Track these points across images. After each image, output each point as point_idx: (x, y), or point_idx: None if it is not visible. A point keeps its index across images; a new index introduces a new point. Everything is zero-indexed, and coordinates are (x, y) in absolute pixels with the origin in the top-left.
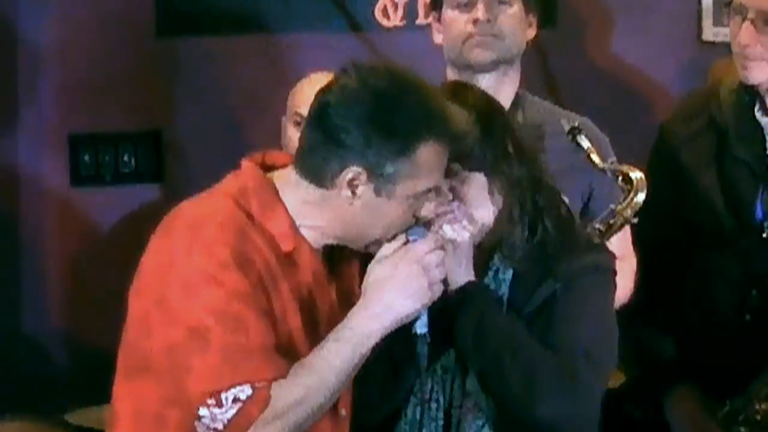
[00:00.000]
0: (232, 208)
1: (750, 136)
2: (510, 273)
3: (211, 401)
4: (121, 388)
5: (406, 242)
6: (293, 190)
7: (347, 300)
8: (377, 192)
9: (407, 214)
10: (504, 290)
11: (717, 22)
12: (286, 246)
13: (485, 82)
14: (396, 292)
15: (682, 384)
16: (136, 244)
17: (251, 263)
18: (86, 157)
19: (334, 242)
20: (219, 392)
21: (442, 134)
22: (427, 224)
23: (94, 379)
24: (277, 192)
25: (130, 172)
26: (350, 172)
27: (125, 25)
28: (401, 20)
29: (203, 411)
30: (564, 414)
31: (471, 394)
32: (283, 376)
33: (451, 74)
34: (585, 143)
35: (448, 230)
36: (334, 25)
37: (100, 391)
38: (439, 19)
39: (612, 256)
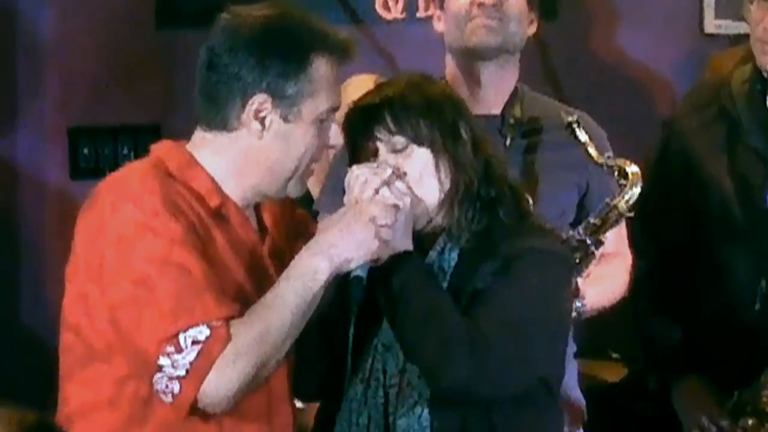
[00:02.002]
0: (151, 168)
1: (762, 125)
2: (455, 254)
3: (169, 348)
4: (68, 388)
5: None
6: (204, 148)
7: (281, 258)
8: (284, 118)
9: (316, 140)
10: (447, 269)
11: (719, 14)
12: (212, 201)
13: (486, 71)
14: (341, 234)
15: (690, 374)
16: None
17: (181, 210)
18: (85, 150)
19: (256, 197)
20: (176, 335)
21: (329, 46)
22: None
23: None
24: (191, 155)
25: None
26: (254, 102)
27: (125, 17)
28: (402, 13)
29: (163, 360)
30: (476, 386)
31: (407, 370)
32: (238, 316)
33: (451, 64)
34: (582, 137)
35: (387, 194)
36: (335, 17)
37: None
38: (441, 6)
39: (561, 243)
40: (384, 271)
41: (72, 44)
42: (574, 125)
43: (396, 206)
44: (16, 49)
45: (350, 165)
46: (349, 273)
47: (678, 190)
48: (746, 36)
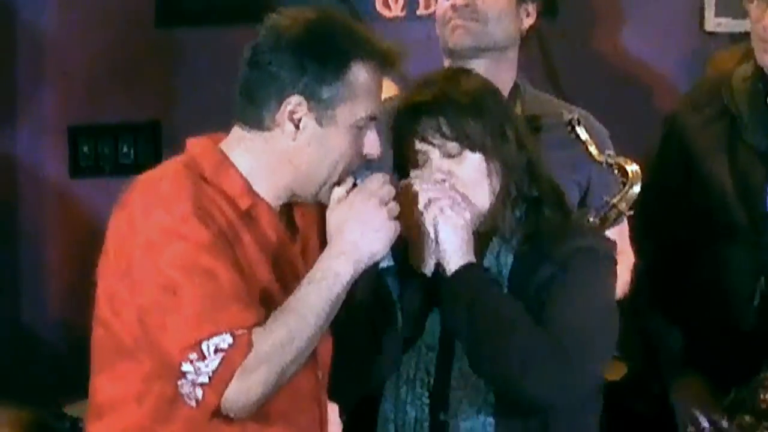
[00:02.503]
0: (184, 170)
1: (763, 123)
2: (511, 257)
3: (192, 355)
4: (97, 381)
5: (355, 184)
6: (239, 147)
7: (311, 258)
8: (319, 122)
9: (352, 147)
10: (505, 273)
11: (719, 12)
12: (243, 203)
13: (478, 69)
14: (358, 230)
15: (688, 372)
16: None
17: (211, 215)
18: (85, 149)
19: (287, 195)
20: (199, 343)
21: (372, 54)
22: (425, 207)
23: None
24: (225, 155)
25: (129, 164)
26: (289, 103)
27: (125, 16)
28: (402, 11)
29: (186, 366)
30: (557, 395)
31: (465, 375)
32: (262, 323)
33: (446, 63)
34: (583, 135)
35: (448, 212)
36: None
37: None
38: None
39: (611, 244)
40: (450, 286)
41: (72, 42)
42: (574, 123)
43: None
44: (17, 47)
45: (396, 163)
46: (377, 264)
47: (678, 188)
48: (747, 34)
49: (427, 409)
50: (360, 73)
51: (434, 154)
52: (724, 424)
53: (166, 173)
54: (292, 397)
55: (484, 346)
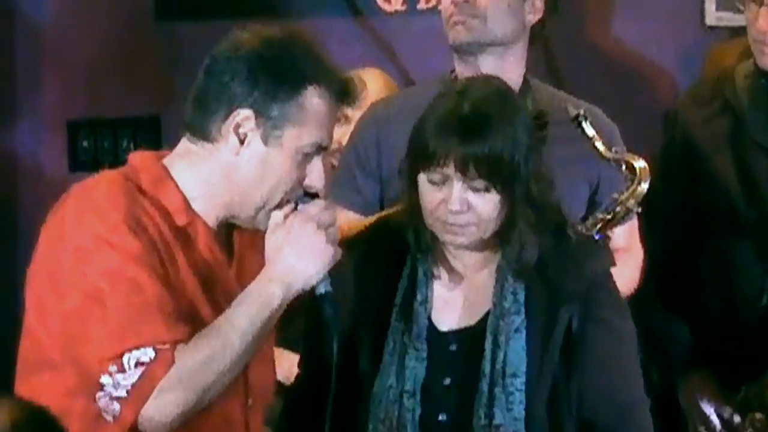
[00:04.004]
0: (121, 179)
1: (766, 120)
2: (523, 294)
3: (112, 367)
4: (21, 390)
5: (295, 209)
6: (181, 160)
7: (247, 283)
8: (264, 139)
9: (293, 173)
10: (522, 315)
11: (720, 6)
12: (180, 220)
13: (484, 64)
14: (294, 254)
15: (696, 369)
16: None
17: (143, 227)
18: (85, 143)
19: (224, 214)
20: (120, 356)
21: (329, 82)
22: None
23: None
24: (166, 169)
25: None
26: (238, 116)
27: (124, 9)
28: (402, 5)
29: (105, 379)
30: None
31: (498, 428)
32: (186, 340)
33: (456, 59)
34: (589, 130)
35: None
36: (335, 9)
37: None
38: None
39: (606, 251)
40: None
41: (71, 36)
42: (581, 119)
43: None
44: (16, 41)
45: (412, 162)
46: (313, 289)
47: (682, 184)
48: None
49: None
50: (314, 99)
51: (458, 182)
52: (736, 419)
53: (102, 182)
54: (219, 421)
55: None
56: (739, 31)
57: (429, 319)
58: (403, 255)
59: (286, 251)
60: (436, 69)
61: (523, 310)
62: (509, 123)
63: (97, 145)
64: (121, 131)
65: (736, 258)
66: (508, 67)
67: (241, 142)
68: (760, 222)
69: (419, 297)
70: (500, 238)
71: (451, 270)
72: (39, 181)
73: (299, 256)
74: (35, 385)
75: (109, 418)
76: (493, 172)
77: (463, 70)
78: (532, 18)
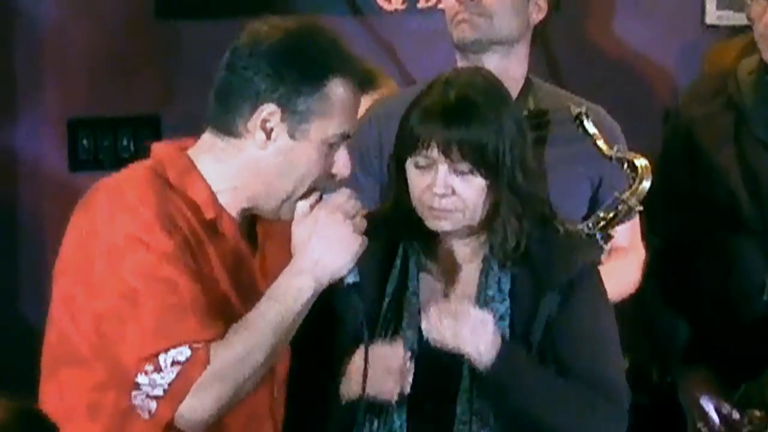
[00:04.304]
0: (150, 175)
1: None
2: (508, 282)
3: (149, 367)
4: (47, 386)
5: (320, 199)
6: (207, 154)
7: (272, 275)
8: (291, 133)
9: (320, 164)
10: (507, 304)
11: (720, 5)
12: (208, 213)
13: (488, 64)
14: (322, 246)
15: (696, 366)
16: None
17: (175, 224)
18: (85, 142)
19: (249, 206)
20: (156, 355)
21: (352, 72)
22: None
23: None
24: (192, 162)
25: (129, 157)
26: (263, 111)
27: (125, 8)
28: (402, 4)
29: (141, 378)
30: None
31: (479, 412)
32: (220, 337)
33: (458, 57)
34: (591, 129)
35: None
36: (335, 8)
37: None
38: None
39: (598, 248)
40: (495, 379)
41: (72, 35)
42: (582, 117)
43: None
44: (16, 39)
45: (399, 148)
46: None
47: (684, 180)
48: (747, 27)
49: None
50: (338, 89)
51: (443, 165)
52: (736, 416)
53: (132, 178)
54: (247, 414)
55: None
56: (739, 30)
57: (419, 310)
58: (397, 247)
59: (313, 243)
60: (436, 68)
61: (507, 298)
62: (494, 109)
63: (98, 143)
64: (121, 130)
65: (738, 255)
66: (512, 66)
67: (268, 136)
68: (762, 218)
69: (410, 287)
70: (486, 227)
71: (440, 260)
72: (39, 180)
73: (327, 248)
74: (64, 378)
75: (145, 415)
76: (476, 155)
77: None
78: (536, 17)
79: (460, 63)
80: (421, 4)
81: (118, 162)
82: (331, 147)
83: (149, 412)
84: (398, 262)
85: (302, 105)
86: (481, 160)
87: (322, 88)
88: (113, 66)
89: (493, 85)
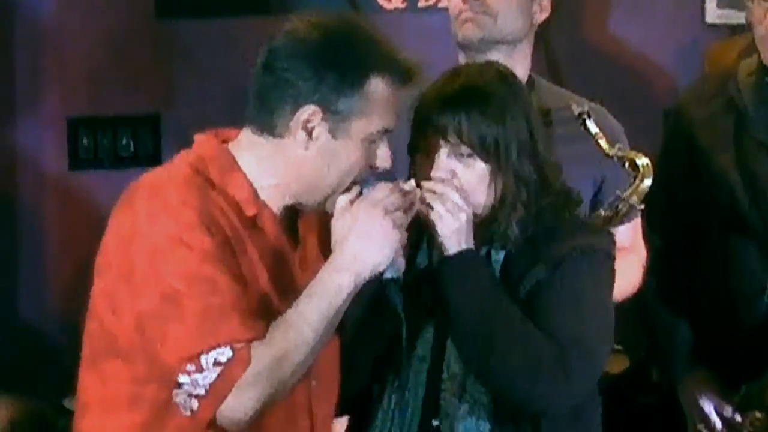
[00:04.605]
0: (192, 174)
1: None
2: (501, 255)
3: (190, 367)
4: (87, 376)
5: (360, 192)
6: (248, 151)
7: (312, 268)
8: (332, 133)
9: (362, 160)
10: (494, 271)
11: (721, 4)
12: (249, 210)
13: None
14: (361, 241)
15: (696, 368)
16: None
17: (217, 224)
18: (84, 141)
19: (291, 202)
20: (198, 356)
21: (392, 69)
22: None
23: None
24: (234, 159)
25: (128, 156)
26: (304, 112)
27: (125, 7)
28: (402, 2)
29: (183, 378)
30: (556, 403)
31: (455, 377)
32: (261, 336)
33: (460, 57)
34: (593, 128)
35: (448, 205)
36: (335, 7)
37: None
38: None
39: (609, 241)
40: (451, 268)
41: (71, 34)
42: (584, 116)
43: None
44: (16, 39)
45: (410, 145)
46: (380, 274)
47: (684, 182)
48: (748, 25)
49: (419, 415)
50: (378, 87)
51: (444, 149)
52: (736, 418)
53: (174, 177)
54: (286, 408)
55: (485, 345)
56: (740, 29)
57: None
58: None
59: (353, 239)
60: (436, 67)
61: (496, 268)
62: (499, 99)
63: (97, 142)
64: (121, 129)
65: (738, 256)
66: (515, 65)
67: (309, 136)
68: (762, 220)
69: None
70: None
71: None
72: (39, 179)
73: (366, 244)
74: (105, 370)
75: (187, 412)
76: (473, 137)
77: None
78: (540, 16)
79: (463, 62)
80: (421, 3)
81: (117, 161)
82: (373, 142)
83: (191, 410)
84: (423, 245)
85: (343, 105)
86: (480, 145)
87: (363, 88)
88: (113, 65)
89: (504, 77)
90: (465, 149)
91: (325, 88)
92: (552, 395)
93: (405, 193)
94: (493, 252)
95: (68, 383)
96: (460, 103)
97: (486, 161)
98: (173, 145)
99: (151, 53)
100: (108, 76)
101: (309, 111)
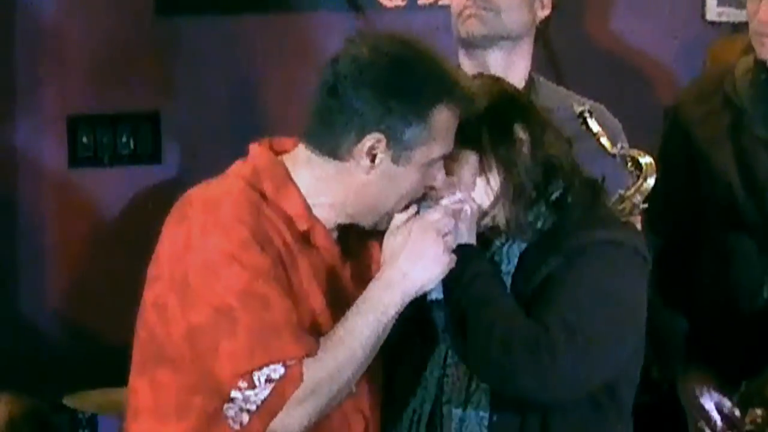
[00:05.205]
0: (246, 189)
1: (766, 115)
2: (518, 248)
3: (243, 383)
4: (138, 381)
5: (417, 212)
6: (305, 168)
7: (363, 282)
8: (395, 160)
9: (420, 183)
10: (509, 264)
11: (721, 1)
12: (301, 225)
13: (491, 59)
14: (412, 261)
15: (695, 365)
16: (134, 225)
17: (270, 241)
18: (84, 139)
19: (346, 221)
20: (251, 373)
21: (455, 97)
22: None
23: (91, 362)
24: (288, 173)
25: (128, 154)
26: (370, 140)
27: (125, 4)
28: (403, 0)
29: (235, 393)
30: (539, 388)
31: (458, 363)
32: (313, 353)
33: (461, 54)
34: (595, 127)
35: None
36: (336, 4)
37: (97, 375)
38: None
39: (640, 239)
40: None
41: (71, 31)
42: (586, 115)
43: (456, 212)
44: (15, 36)
45: None
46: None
47: (682, 179)
48: (748, 24)
49: (432, 399)
50: (442, 116)
51: None
52: (736, 414)
53: (228, 192)
54: (341, 414)
55: (469, 329)
56: (741, 27)
57: None
58: None
59: (404, 257)
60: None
61: (513, 260)
62: (475, 94)
63: (97, 140)
64: (121, 127)
65: (737, 253)
66: (515, 63)
67: (372, 162)
68: (760, 216)
69: None
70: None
71: None
72: (39, 177)
73: (416, 263)
74: (156, 377)
75: (236, 426)
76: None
77: (468, 65)
78: (542, 13)
79: (463, 59)
80: (421, 1)
81: (117, 158)
82: (431, 166)
83: (240, 423)
84: None
85: (408, 134)
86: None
87: (428, 118)
88: (113, 62)
89: (503, 92)
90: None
91: (392, 118)
92: (527, 380)
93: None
94: (506, 246)
95: (67, 381)
96: None
97: (469, 149)
98: (173, 143)
99: (151, 51)
100: (108, 74)
101: (374, 138)
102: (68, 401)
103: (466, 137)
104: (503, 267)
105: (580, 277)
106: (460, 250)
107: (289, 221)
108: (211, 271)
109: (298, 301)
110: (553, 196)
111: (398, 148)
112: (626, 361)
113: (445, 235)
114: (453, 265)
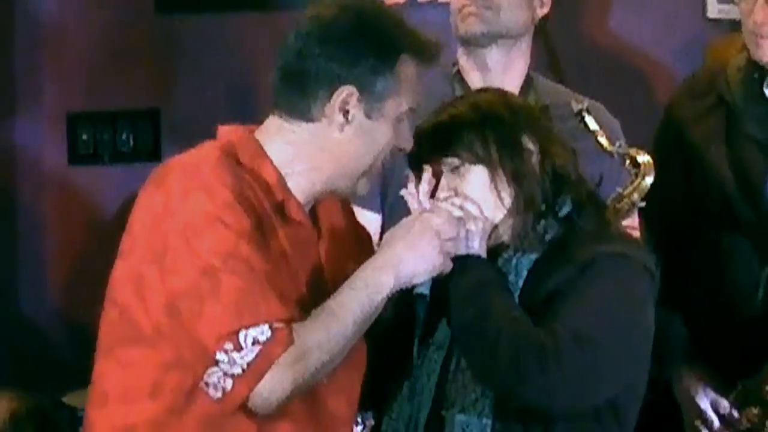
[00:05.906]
0: (224, 156)
1: (759, 114)
2: (528, 260)
3: (228, 345)
4: (105, 365)
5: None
6: (277, 137)
7: (337, 260)
8: (368, 114)
9: (393, 139)
10: (518, 276)
11: None
12: (278, 195)
13: (490, 57)
14: (407, 249)
15: (691, 364)
16: None
17: (250, 204)
18: (84, 136)
19: (322, 188)
20: (237, 332)
21: (418, 48)
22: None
23: (92, 360)
24: (261, 146)
25: (128, 151)
26: (342, 93)
27: (124, 2)
28: None
29: (220, 356)
30: (544, 398)
31: (464, 370)
32: (296, 319)
33: (460, 52)
34: (593, 125)
35: (450, 206)
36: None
37: None
38: None
39: (646, 254)
40: (454, 273)
41: (71, 29)
42: (584, 113)
43: (460, 219)
44: (15, 34)
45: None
46: (411, 290)
47: (676, 178)
48: None
49: (429, 405)
50: (408, 66)
51: (444, 169)
52: (735, 414)
53: (206, 157)
54: (312, 397)
55: (475, 337)
56: (741, 25)
57: None
58: None
59: (401, 245)
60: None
61: (522, 270)
62: (475, 106)
63: (97, 137)
64: (120, 124)
65: (732, 252)
66: (514, 61)
67: (345, 118)
68: (754, 215)
69: None
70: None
71: None
72: (38, 174)
73: (412, 254)
74: (124, 357)
75: (218, 394)
76: (456, 145)
77: (468, 63)
78: (540, 12)
79: (462, 57)
80: None
81: (117, 156)
82: (401, 122)
83: (222, 390)
84: None
85: (379, 85)
86: (462, 148)
87: (395, 67)
88: (113, 60)
89: (509, 105)
90: (453, 161)
91: (361, 70)
92: (533, 390)
93: (459, 225)
94: (515, 258)
95: (67, 378)
96: (439, 126)
97: (475, 163)
98: (173, 140)
99: (150, 48)
100: (107, 71)
101: (347, 92)
102: (69, 400)
103: (475, 154)
104: (511, 278)
105: (589, 289)
106: (469, 260)
107: (267, 189)
108: (193, 233)
109: (279, 268)
110: (563, 209)
111: (371, 100)
112: (633, 376)
113: (447, 240)
114: (447, 268)
